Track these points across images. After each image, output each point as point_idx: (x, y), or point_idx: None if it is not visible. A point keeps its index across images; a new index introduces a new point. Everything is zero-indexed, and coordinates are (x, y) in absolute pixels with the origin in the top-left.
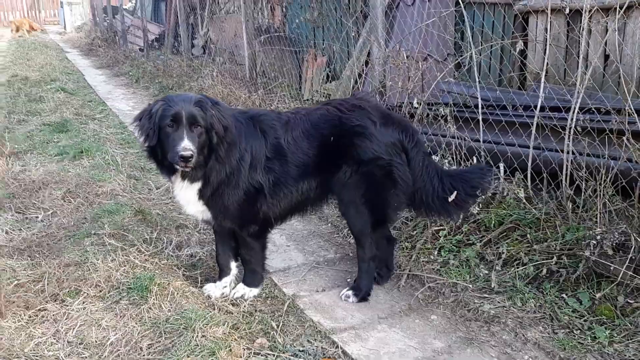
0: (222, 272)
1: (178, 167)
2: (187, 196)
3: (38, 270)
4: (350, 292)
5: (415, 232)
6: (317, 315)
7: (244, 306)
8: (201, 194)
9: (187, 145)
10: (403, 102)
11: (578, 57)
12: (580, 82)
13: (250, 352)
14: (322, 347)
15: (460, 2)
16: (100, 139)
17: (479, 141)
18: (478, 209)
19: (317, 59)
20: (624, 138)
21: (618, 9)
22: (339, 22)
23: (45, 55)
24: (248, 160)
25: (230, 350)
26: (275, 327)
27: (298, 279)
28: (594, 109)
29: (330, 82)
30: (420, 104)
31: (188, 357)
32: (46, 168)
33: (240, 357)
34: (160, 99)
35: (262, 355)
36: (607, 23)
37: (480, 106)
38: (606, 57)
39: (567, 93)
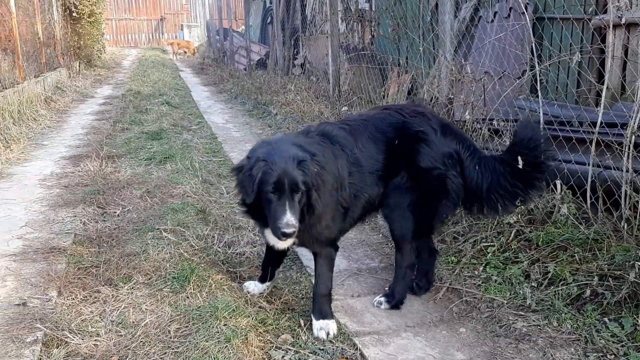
0: (264, 277)
1: (279, 238)
2: (282, 244)
3: (101, 258)
4: (382, 299)
5: (464, 246)
6: (345, 318)
7: (277, 304)
8: (295, 238)
9: (290, 221)
10: (467, 117)
11: None
12: (638, 99)
13: (273, 346)
14: (342, 348)
15: (526, 17)
16: (189, 147)
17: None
18: (530, 226)
19: (400, 75)
20: None
21: None
22: (421, 40)
23: (160, 73)
24: (337, 185)
25: (246, 339)
26: (303, 325)
27: (336, 283)
28: None
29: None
30: (474, 120)
31: (206, 342)
32: (134, 170)
33: (256, 347)
34: (260, 155)
35: (282, 350)
36: None
37: (542, 122)
38: None
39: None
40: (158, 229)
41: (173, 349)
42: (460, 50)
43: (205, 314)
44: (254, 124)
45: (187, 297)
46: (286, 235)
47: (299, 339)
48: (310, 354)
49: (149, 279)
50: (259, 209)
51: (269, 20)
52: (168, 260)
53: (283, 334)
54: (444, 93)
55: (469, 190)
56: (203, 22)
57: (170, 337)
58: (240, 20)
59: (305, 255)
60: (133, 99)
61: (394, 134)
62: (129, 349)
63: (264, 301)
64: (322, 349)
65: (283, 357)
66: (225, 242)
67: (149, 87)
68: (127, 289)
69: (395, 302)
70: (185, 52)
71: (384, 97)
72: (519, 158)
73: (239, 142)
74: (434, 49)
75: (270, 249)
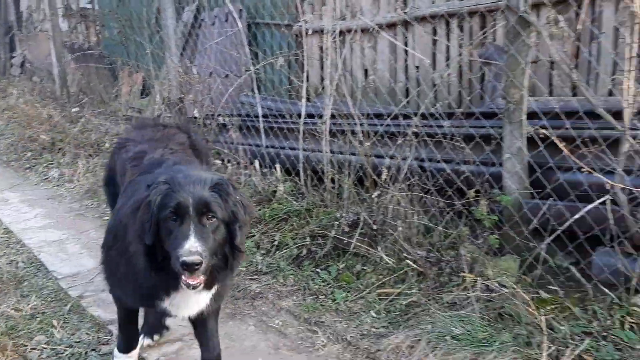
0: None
1: (182, 278)
2: (195, 303)
3: None
4: None
5: None
6: (99, 311)
7: (27, 310)
8: (213, 295)
9: (194, 248)
10: (197, 116)
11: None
12: (330, 93)
13: (27, 348)
14: (98, 337)
15: (243, 24)
16: None
17: (260, 146)
18: (259, 205)
19: (131, 75)
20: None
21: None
22: (148, 42)
23: None
24: None
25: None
26: (56, 324)
27: (86, 281)
28: (336, 114)
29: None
30: (204, 116)
31: None
32: None
33: (11, 351)
34: (163, 179)
35: (37, 350)
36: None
37: (261, 115)
38: (366, 71)
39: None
40: None
41: None
42: (187, 52)
43: None
44: None
45: None
46: (188, 267)
47: (53, 337)
48: (67, 348)
49: None
50: (164, 256)
51: None
52: None
53: (36, 336)
54: (174, 93)
55: None
56: None
57: None
58: None
59: (51, 262)
60: None
61: None
62: None
63: (11, 310)
64: (79, 342)
65: (40, 356)
66: None
67: None
68: None
69: None
70: None
71: (116, 97)
72: None
73: None
74: (161, 51)
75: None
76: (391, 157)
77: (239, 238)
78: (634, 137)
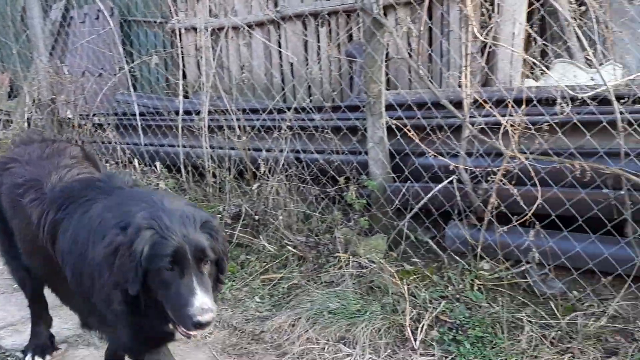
0: None
1: (181, 329)
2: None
3: None
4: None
5: None
6: None
7: None
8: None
9: (205, 303)
10: (71, 116)
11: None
12: (206, 90)
13: None
14: None
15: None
16: None
17: (138, 144)
18: None
19: None
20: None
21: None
22: (14, 41)
23: None
24: None
25: None
26: None
27: None
28: (213, 111)
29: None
30: (79, 117)
31: None
32: None
33: None
34: (143, 222)
35: None
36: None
37: (138, 114)
38: (242, 68)
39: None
40: None
41: None
42: (57, 51)
43: None
44: None
45: None
46: (201, 326)
47: None
48: None
49: None
50: (148, 303)
51: None
52: None
53: None
54: (45, 94)
55: None
56: None
57: None
58: None
59: None
60: None
61: None
62: None
63: None
64: None
65: None
66: None
67: None
68: None
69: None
70: None
71: None
72: None
73: None
74: (29, 51)
75: None
76: (268, 150)
77: (227, 270)
78: (472, 124)
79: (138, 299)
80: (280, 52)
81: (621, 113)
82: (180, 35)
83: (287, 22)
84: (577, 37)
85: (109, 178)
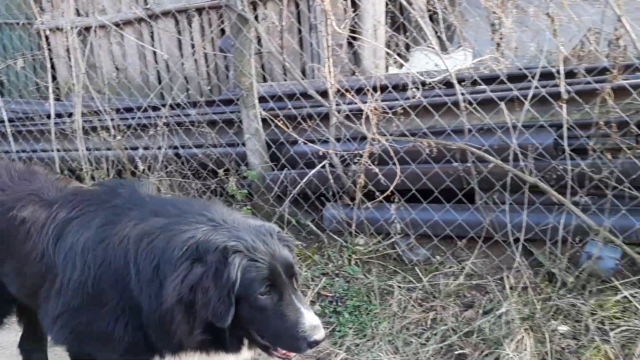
0: None
1: (280, 352)
2: None
3: None
4: None
5: None
6: None
7: None
8: None
9: (315, 321)
10: None
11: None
12: (78, 91)
13: None
14: None
15: None
16: None
17: (9, 152)
18: None
19: None
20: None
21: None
22: None
23: None
24: None
25: None
26: None
27: None
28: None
29: None
30: None
31: None
32: None
33: None
34: (221, 244)
35: None
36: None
37: (6, 120)
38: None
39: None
40: None
41: None
42: None
43: None
44: None
45: None
46: (317, 344)
47: None
48: None
49: None
50: (238, 331)
51: None
52: None
53: None
54: None
55: None
56: None
57: None
58: None
59: None
60: None
61: None
62: None
63: None
64: None
65: None
66: None
67: None
68: None
69: None
70: None
71: None
72: None
73: None
74: None
75: None
76: (146, 148)
77: (299, 283)
78: (339, 112)
79: (222, 333)
80: (154, 50)
81: (462, 94)
82: (46, 36)
83: (158, 19)
84: (433, 26)
85: (130, 185)
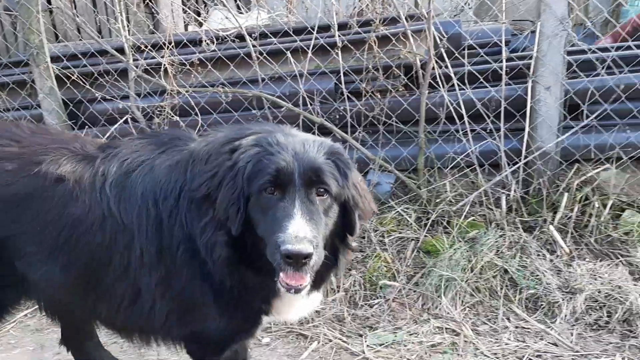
0: None
1: (280, 276)
2: (303, 307)
3: None
4: None
5: None
6: None
7: None
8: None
9: (301, 232)
10: None
11: None
12: None
13: None
14: None
15: None
16: None
17: None
18: None
19: None
20: None
21: None
22: None
23: None
24: None
25: None
26: None
27: None
28: None
29: None
30: None
31: None
32: None
33: None
34: (251, 141)
35: None
36: None
37: None
38: None
39: None
40: None
41: None
42: None
43: None
44: None
45: None
46: (291, 258)
47: None
48: None
49: None
50: (256, 247)
51: None
52: None
53: None
54: None
55: None
56: None
57: None
58: None
59: None
60: None
61: None
62: None
63: None
64: None
65: None
66: None
67: None
68: None
69: None
70: None
71: None
72: None
73: None
74: None
75: None
76: None
77: (356, 230)
78: (137, 67)
79: (244, 243)
80: None
81: (254, 47)
82: None
83: None
84: None
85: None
